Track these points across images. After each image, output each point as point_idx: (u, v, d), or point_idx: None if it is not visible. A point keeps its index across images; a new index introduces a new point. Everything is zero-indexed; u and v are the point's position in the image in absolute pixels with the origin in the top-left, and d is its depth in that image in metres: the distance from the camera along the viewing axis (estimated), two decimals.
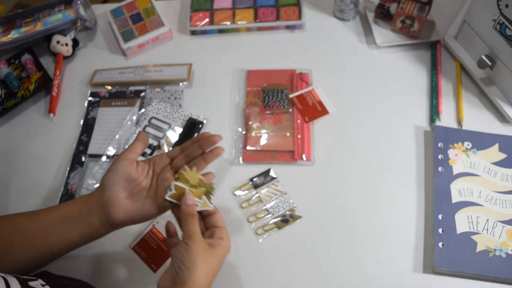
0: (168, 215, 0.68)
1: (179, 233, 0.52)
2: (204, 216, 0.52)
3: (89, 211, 0.52)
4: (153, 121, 0.76)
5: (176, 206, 0.50)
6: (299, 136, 0.73)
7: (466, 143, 0.68)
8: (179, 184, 0.49)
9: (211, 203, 0.51)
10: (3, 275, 0.44)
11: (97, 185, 0.70)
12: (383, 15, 0.83)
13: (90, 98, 0.81)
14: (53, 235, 0.52)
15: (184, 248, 0.46)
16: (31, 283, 0.46)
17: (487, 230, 0.61)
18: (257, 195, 0.68)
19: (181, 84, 0.81)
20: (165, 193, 0.50)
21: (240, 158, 0.72)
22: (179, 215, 0.50)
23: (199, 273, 0.45)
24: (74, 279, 0.60)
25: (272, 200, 0.67)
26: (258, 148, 0.72)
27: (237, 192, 0.69)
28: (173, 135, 0.75)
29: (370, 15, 0.85)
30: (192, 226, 0.48)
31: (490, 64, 0.71)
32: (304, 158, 0.70)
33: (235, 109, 0.77)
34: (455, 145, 0.68)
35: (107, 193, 0.52)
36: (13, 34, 0.84)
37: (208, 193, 0.52)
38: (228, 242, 0.51)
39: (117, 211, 0.51)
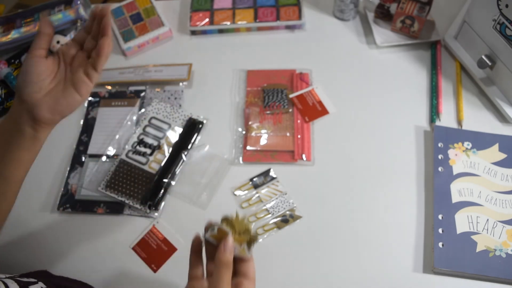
0: (168, 214, 0.68)
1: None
2: (236, 259, 0.47)
3: (16, 123, 0.51)
4: (153, 121, 0.76)
5: (211, 246, 0.47)
6: (299, 136, 0.73)
7: (466, 143, 0.68)
8: (223, 227, 0.46)
9: (250, 252, 0.47)
10: (3, 278, 0.44)
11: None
12: (383, 15, 0.83)
13: (90, 98, 0.81)
14: None
15: None
16: (32, 287, 0.46)
17: (487, 230, 0.61)
18: (257, 195, 0.68)
19: (181, 84, 0.81)
20: (205, 232, 0.47)
21: (240, 158, 0.72)
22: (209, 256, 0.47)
23: None
24: (74, 280, 0.60)
25: (272, 200, 0.67)
26: (258, 148, 0.72)
27: (237, 192, 0.69)
28: (173, 135, 0.75)
29: (370, 15, 0.85)
30: (223, 282, 0.43)
31: (490, 64, 0.71)
32: (304, 158, 0.70)
33: (235, 109, 0.77)
34: (455, 145, 0.68)
35: (25, 97, 0.50)
36: (13, 34, 0.84)
37: (250, 243, 0.48)
38: None
39: (41, 110, 0.50)
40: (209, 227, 0.46)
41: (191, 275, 0.46)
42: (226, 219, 0.47)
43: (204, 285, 0.44)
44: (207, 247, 0.47)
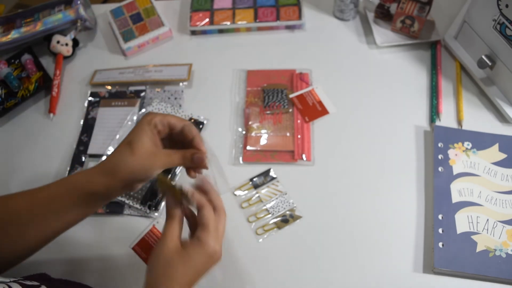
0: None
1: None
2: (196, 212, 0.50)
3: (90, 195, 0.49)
4: None
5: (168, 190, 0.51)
6: (299, 136, 0.73)
7: (466, 143, 0.68)
8: (162, 177, 0.51)
9: (192, 202, 0.50)
10: (7, 282, 0.44)
11: None
12: (383, 15, 0.83)
13: (90, 98, 0.81)
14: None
15: (154, 249, 0.48)
16: None
17: (487, 230, 0.61)
18: (257, 195, 0.68)
19: (181, 84, 0.81)
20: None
21: (240, 158, 0.72)
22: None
23: (153, 274, 0.46)
24: (73, 282, 0.60)
25: (272, 200, 0.67)
26: (258, 148, 0.72)
27: (237, 192, 0.69)
28: None
29: (370, 15, 0.85)
30: (166, 229, 0.48)
31: (490, 64, 0.71)
32: (304, 158, 0.70)
33: (235, 109, 0.77)
34: (455, 145, 0.68)
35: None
36: (13, 34, 0.84)
37: (184, 194, 0.50)
38: (208, 244, 0.45)
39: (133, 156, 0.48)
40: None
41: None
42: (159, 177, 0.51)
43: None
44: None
